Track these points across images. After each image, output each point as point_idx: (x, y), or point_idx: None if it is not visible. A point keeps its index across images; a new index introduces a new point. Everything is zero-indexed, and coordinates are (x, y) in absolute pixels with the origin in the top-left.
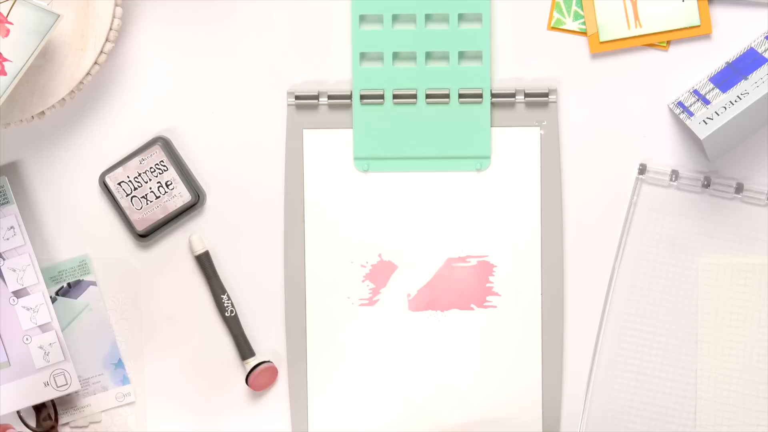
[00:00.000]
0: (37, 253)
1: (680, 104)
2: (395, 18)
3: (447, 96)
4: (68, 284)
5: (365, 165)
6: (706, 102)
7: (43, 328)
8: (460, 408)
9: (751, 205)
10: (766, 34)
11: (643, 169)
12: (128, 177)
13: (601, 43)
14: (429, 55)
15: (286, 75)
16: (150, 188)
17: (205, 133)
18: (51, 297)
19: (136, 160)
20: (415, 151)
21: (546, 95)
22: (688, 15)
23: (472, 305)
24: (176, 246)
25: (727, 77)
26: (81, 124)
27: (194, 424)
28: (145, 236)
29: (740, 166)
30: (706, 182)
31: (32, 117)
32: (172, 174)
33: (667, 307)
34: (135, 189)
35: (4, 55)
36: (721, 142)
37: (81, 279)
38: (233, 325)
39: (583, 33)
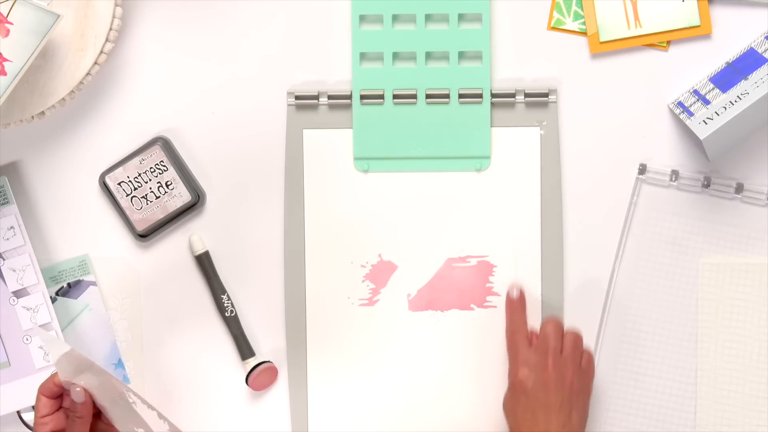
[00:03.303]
0: (37, 253)
1: (680, 104)
2: (395, 18)
3: (447, 96)
4: (68, 284)
5: (365, 165)
6: (706, 102)
7: (43, 328)
8: (460, 408)
9: (751, 205)
10: (766, 34)
11: (643, 169)
12: (128, 177)
13: (601, 43)
14: (429, 55)
15: (286, 75)
16: (150, 188)
17: (205, 133)
18: (51, 297)
19: (136, 160)
20: (415, 151)
21: (546, 95)
22: (688, 15)
23: (472, 305)
24: (176, 246)
25: (727, 77)
26: (81, 124)
27: (194, 424)
28: (145, 236)
29: (740, 166)
30: (706, 182)
31: (32, 117)
32: (172, 174)
33: (667, 307)
34: (135, 189)
35: (4, 55)
36: (721, 142)
37: (81, 279)
38: (233, 325)
39: (583, 33)
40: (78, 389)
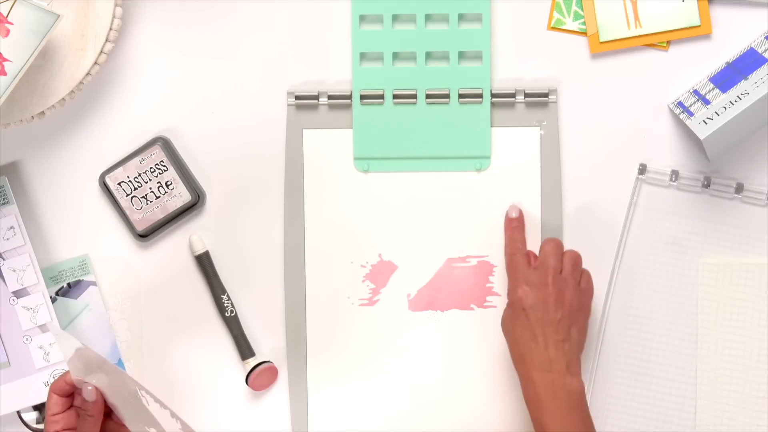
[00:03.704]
0: (37, 253)
1: (680, 104)
2: (395, 18)
3: (447, 96)
4: (68, 284)
5: (365, 165)
6: (706, 102)
7: (43, 328)
8: (460, 408)
9: (751, 205)
10: (766, 34)
11: (643, 169)
12: (128, 177)
13: (601, 43)
14: (429, 55)
15: (286, 75)
16: (150, 188)
17: (205, 133)
18: (51, 297)
19: (136, 160)
20: (415, 151)
21: (546, 95)
22: (688, 15)
23: (472, 305)
24: (176, 246)
25: (727, 77)
26: (81, 124)
27: (194, 424)
28: (145, 236)
29: (740, 166)
30: (706, 182)
31: (32, 117)
32: (172, 174)
33: (667, 307)
34: (135, 189)
35: (4, 55)
36: (721, 142)
37: (81, 279)
38: (233, 325)
39: (583, 33)
40: (90, 388)
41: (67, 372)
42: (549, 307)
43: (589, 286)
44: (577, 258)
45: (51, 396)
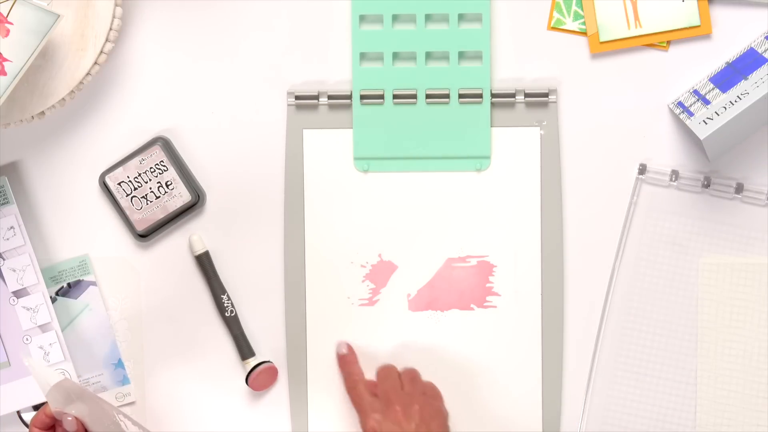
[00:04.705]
0: (37, 253)
1: (680, 104)
2: (395, 18)
3: (447, 96)
4: (68, 284)
5: (365, 165)
6: (706, 102)
7: (43, 328)
8: (459, 408)
9: (751, 205)
10: (766, 34)
11: (643, 169)
12: (128, 177)
13: (601, 43)
14: (429, 55)
15: (286, 75)
16: (150, 188)
17: (205, 133)
18: (51, 297)
19: (136, 160)
20: (415, 151)
21: (546, 95)
22: (688, 15)
23: (472, 305)
24: (176, 246)
25: (727, 77)
26: (81, 124)
27: (194, 424)
28: (145, 236)
29: (740, 166)
30: (706, 182)
31: (32, 117)
32: (172, 174)
33: (667, 307)
34: (135, 189)
35: (4, 55)
36: (721, 142)
37: (81, 279)
38: (233, 325)
39: (583, 33)
40: (70, 419)
41: (47, 405)
42: (401, 423)
43: (435, 393)
44: (413, 372)
45: (32, 430)
